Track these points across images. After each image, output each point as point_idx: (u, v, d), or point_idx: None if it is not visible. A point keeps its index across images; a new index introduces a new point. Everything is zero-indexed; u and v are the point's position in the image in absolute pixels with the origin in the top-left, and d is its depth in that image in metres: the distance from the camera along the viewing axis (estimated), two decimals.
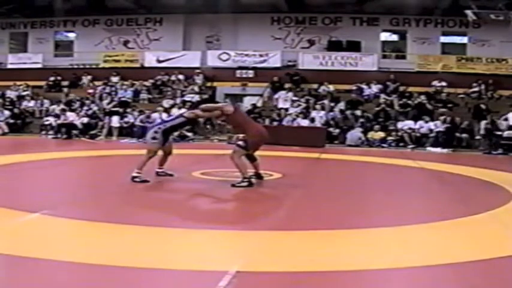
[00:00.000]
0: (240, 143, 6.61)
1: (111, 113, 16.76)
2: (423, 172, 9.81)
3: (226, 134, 15.42)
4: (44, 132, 16.91)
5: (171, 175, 7.17)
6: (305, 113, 17.21)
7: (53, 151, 12.39)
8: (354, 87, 18.90)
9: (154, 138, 6.81)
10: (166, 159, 7.22)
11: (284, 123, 16.73)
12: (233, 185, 6.44)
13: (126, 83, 19.87)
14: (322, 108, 17.37)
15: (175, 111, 17.05)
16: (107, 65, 21.34)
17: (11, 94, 19.62)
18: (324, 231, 4.40)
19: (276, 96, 18.44)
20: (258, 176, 7.07)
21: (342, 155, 12.50)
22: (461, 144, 15.42)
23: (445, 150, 14.80)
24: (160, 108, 16.98)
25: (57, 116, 16.79)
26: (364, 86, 18.95)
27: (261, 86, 19.66)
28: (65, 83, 20.65)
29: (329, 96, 18.36)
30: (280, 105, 17.95)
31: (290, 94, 18.36)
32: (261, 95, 19.36)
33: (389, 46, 21.59)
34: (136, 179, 6.58)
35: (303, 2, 20.83)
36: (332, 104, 17.83)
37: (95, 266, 3.24)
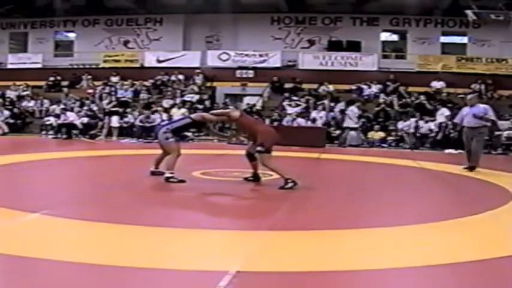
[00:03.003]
0: (259, 148, 6.53)
1: (111, 113, 16.77)
2: (423, 172, 9.81)
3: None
4: (44, 132, 16.91)
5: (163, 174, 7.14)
6: (305, 113, 17.21)
7: (53, 151, 12.39)
8: (354, 87, 18.90)
9: (167, 138, 6.90)
10: (163, 160, 7.24)
11: (284, 123, 16.73)
12: (281, 188, 6.36)
13: (126, 83, 19.86)
14: (323, 109, 17.37)
15: (175, 111, 17.14)
16: (107, 65, 21.34)
17: (11, 94, 19.62)
18: (324, 231, 4.40)
19: (284, 104, 18.22)
20: (256, 177, 7.06)
21: (341, 155, 12.49)
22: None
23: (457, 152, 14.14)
24: (160, 109, 16.98)
25: (57, 116, 16.80)
26: (364, 86, 18.95)
27: (261, 86, 19.67)
28: (65, 83, 20.65)
29: (329, 96, 18.36)
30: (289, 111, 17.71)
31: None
32: (260, 95, 19.36)
33: (390, 46, 21.61)
34: (172, 179, 6.67)
35: (303, 2, 20.84)
36: (332, 104, 17.83)
37: (95, 266, 3.23)
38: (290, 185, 6.34)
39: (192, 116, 7.36)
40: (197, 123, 7.40)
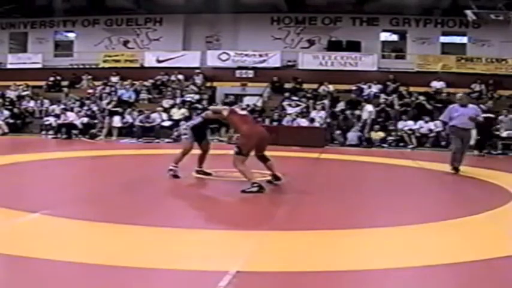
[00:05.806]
0: (236, 149, 6.39)
1: (112, 113, 16.78)
2: (423, 172, 9.81)
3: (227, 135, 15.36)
4: (44, 132, 16.91)
5: (209, 174, 7.53)
6: (305, 113, 17.21)
7: (53, 151, 12.39)
8: (354, 87, 18.89)
9: (185, 134, 7.38)
10: (205, 158, 7.56)
11: (284, 123, 16.73)
12: (243, 191, 6.15)
13: (126, 83, 19.85)
14: (322, 108, 17.37)
15: (174, 111, 17.15)
16: (106, 65, 21.32)
17: (11, 94, 19.61)
18: (324, 231, 4.40)
19: (284, 104, 18.24)
20: (275, 178, 6.81)
21: (341, 155, 12.49)
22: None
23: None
24: (160, 108, 16.98)
25: (57, 116, 16.80)
26: (364, 86, 18.94)
27: (261, 86, 19.66)
28: (65, 83, 20.65)
29: (329, 96, 18.36)
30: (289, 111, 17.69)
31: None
32: (260, 95, 19.36)
33: (389, 46, 21.60)
34: (170, 172, 7.15)
35: (303, 2, 20.83)
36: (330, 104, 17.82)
37: (95, 266, 3.24)
38: (254, 189, 6.09)
39: (203, 114, 7.73)
40: (208, 121, 7.64)
